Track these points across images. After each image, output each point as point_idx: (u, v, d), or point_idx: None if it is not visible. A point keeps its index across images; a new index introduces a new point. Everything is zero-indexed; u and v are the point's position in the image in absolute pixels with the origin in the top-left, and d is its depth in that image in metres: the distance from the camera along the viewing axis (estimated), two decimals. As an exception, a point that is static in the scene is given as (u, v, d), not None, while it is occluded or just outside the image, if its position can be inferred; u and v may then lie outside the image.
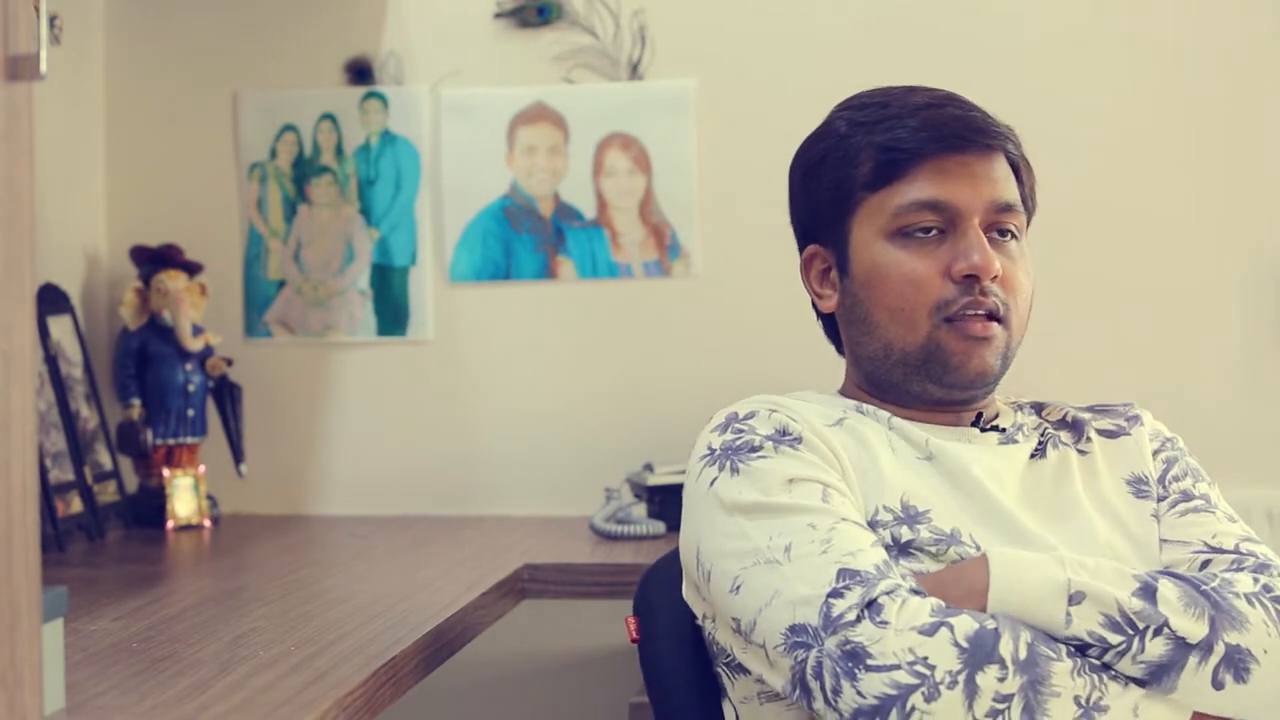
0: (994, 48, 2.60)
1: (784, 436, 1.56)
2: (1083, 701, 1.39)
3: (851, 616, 1.40)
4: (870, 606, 1.41)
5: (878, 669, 1.38)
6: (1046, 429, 1.68)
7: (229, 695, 1.52)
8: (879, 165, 1.60)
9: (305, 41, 2.76)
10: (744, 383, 2.35)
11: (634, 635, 1.73)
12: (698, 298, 2.68)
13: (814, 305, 1.72)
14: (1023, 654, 1.39)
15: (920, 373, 1.60)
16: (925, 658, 1.38)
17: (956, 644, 1.38)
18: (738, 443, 1.56)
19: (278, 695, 1.52)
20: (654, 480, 2.45)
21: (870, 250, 1.61)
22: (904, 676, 1.37)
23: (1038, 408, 1.73)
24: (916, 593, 1.43)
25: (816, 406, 1.63)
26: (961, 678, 1.37)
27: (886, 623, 1.39)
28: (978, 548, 1.52)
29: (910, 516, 1.53)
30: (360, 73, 2.74)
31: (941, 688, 1.37)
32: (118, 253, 2.74)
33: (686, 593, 1.62)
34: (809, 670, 1.42)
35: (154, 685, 1.57)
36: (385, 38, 2.74)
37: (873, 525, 1.52)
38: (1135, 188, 2.61)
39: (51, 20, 1.19)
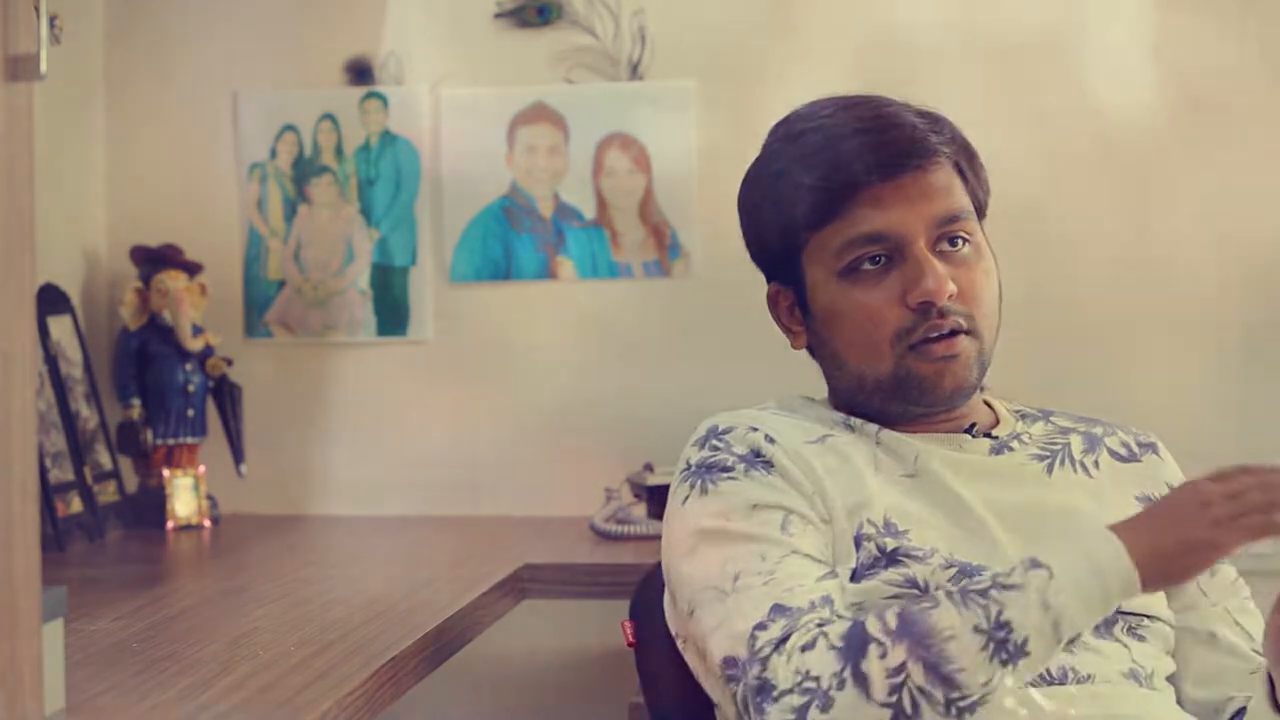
0: (988, 49, 2.60)
1: (756, 459, 1.56)
2: (984, 627, 1.37)
3: (767, 651, 1.43)
4: (784, 641, 1.42)
5: (776, 699, 1.40)
6: (1056, 440, 1.66)
7: (229, 695, 1.52)
8: (814, 205, 1.59)
9: (305, 41, 2.76)
10: (744, 383, 2.36)
11: (630, 639, 1.73)
12: (698, 298, 2.67)
13: None
14: (893, 623, 1.39)
15: (896, 397, 1.60)
16: (808, 672, 1.39)
17: (833, 647, 1.40)
18: (710, 460, 1.58)
19: (278, 695, 1.52)
20: (654, 480, 2.45)
21: (825, 290, 1.61)
22: (796, 699, 1.39)
23: (1045, 414, 1.71)
24: (836, 620, 1.44)
25: (802, 421, 1.62)
26: (847, 673, 1.38)
27: (784, 652, 1.41)
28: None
29: (893, 533, 1.53)
30: (360, 73, 2.74)
31: (831, 692, 1.38)
32: (118, 253, 2.74)
33: (666, 606, 1.62)
34: (739, 702, 1.45)
35: (154, 685, 1.57)
36: (385, 38, 2.74)
37: (860, 538, 1.53)
38: (1131, 190, 2.60)
39: (51, 20, 1.19)
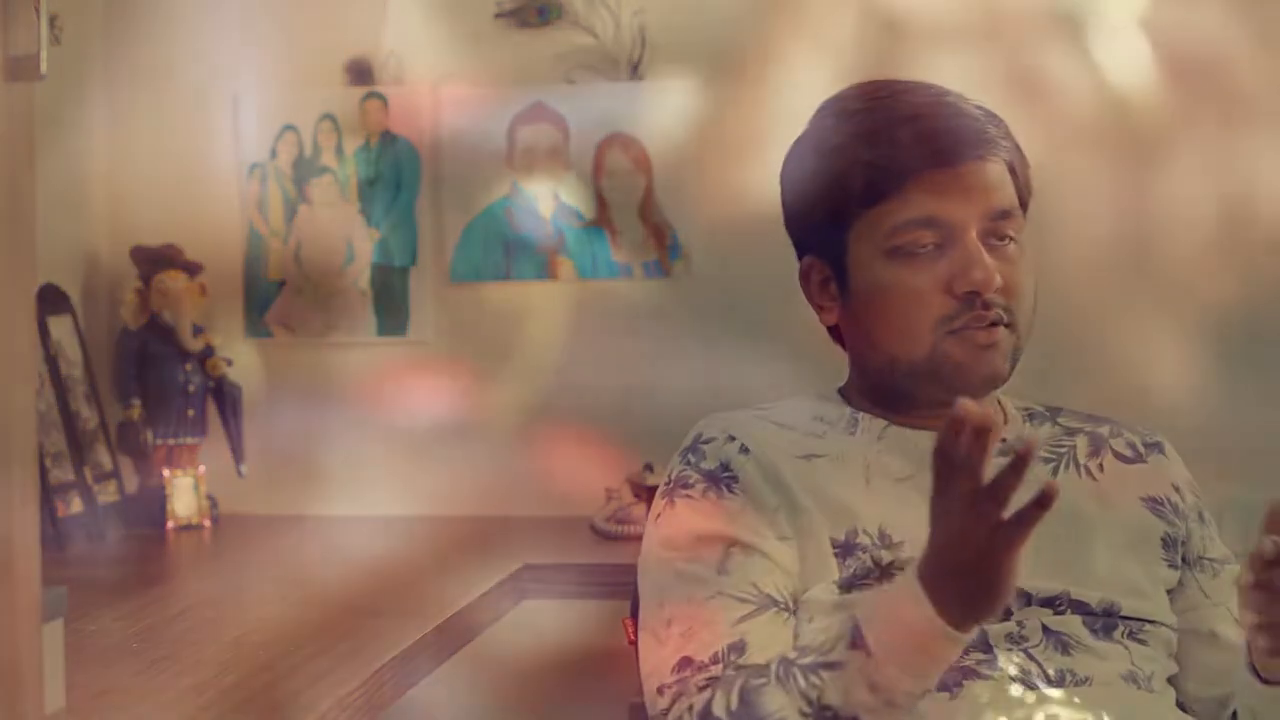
0: (995, 45, 2.60)
1: (723, 473, 1.57)
2: (806, 710, 1.38)
3: None
4: (666, 713, 1.46)
5: None
6: (1062, 442, 1.65)
7: (229, 695, 1.52)
8: (870, 183, 1.57)
9: (305, 41, 2.76)
10: (744, 383, 2.36)
11: (631, 637, 1.73)
12: (698, 298, 2.67)
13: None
14: (734, 703, 1.41)
15: (928, 381, 1.58)
16: None
17: None
18: (681, 474, 1.59)
19: (278, 695, 1.52)
20: (654, 480, 2.45)
21: (870, 268, 1.59)
22: None
23: (1053, 413, 1.71)
24: (722, 680, 1.45)
25: (794, 434, 1.61)
26: None
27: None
28: None
29: (888, 545, 1.53)
30: (360, 73, 2.74)
31: None
32: (118, 253, 2.74)
33: None
34: None
35: (154, 685, 1.57)
36: (385, 38, 2.74)
37: (854, 548, 1.52)
38: (1130, 168, 2.60)
39: (51, 20, 1.19)
